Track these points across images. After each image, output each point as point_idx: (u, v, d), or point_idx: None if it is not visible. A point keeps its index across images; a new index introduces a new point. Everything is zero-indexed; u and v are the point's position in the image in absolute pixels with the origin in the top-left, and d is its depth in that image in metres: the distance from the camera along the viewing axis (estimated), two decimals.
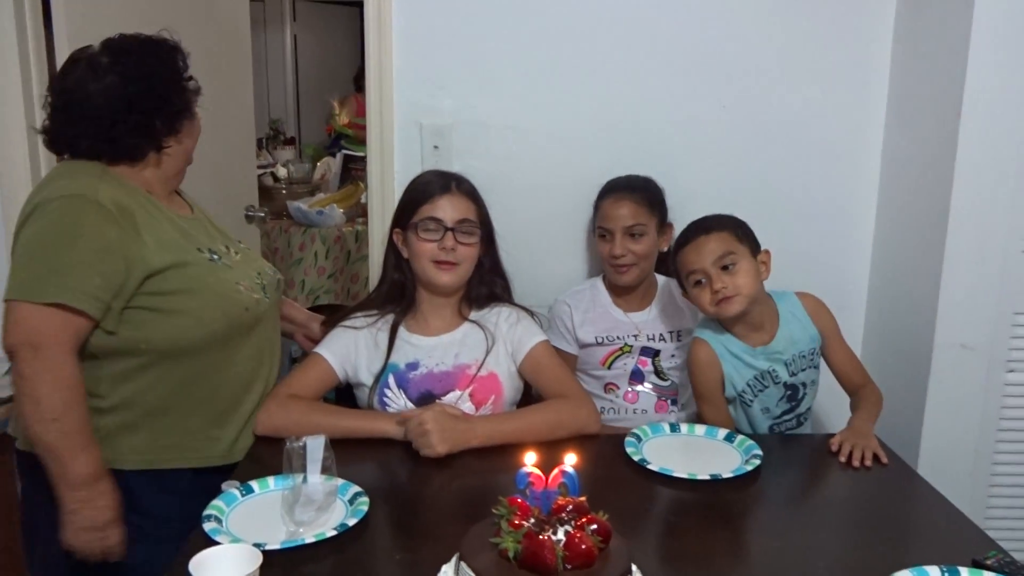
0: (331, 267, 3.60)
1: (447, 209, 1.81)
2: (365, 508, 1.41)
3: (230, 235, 1.82)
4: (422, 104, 2.19)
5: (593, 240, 2.16)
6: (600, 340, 2.06)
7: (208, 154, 1.77)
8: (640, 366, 2.06)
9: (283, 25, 6.19)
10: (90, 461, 1.47)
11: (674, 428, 1.80)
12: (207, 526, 1.33)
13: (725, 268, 1.77)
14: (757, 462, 1.61)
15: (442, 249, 1.79)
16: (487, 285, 1.91)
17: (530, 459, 1.16)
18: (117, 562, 1.55)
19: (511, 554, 1.06)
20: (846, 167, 2.24)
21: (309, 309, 2.21)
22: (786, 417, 1.89)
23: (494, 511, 1.12)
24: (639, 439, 1.73)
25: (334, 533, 1.34)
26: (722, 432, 1.76)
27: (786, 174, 2.23)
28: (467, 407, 1.78)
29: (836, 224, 2.28)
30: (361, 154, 3.80)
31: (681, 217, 2.04)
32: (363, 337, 1.85)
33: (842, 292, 2.14)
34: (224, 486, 1.48)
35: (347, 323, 1.87)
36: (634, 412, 2.05)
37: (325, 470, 1.45)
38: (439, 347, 1.84)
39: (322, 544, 1.31)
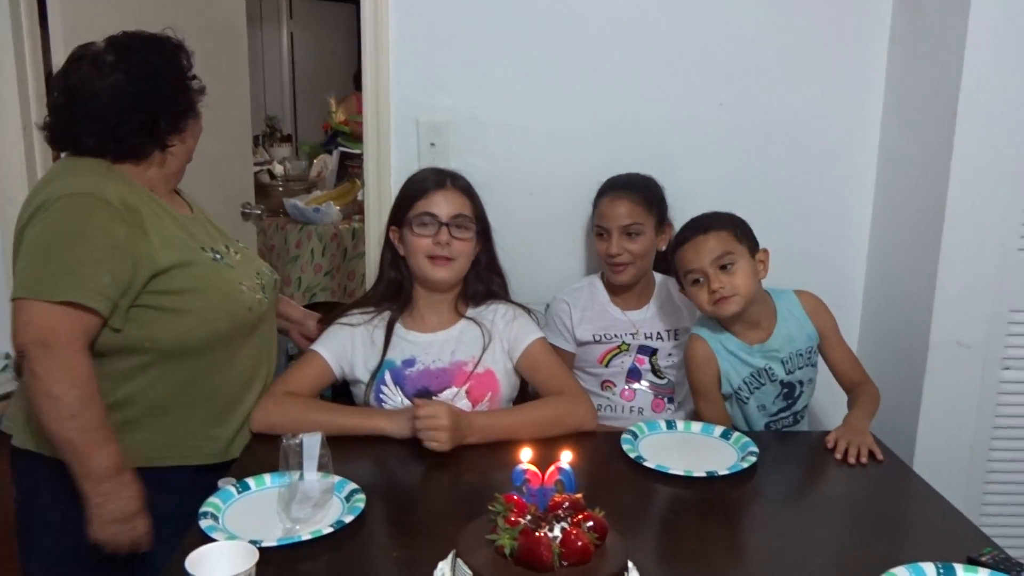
0: (327, 264, 3.59)
1: (442, 205, 1.81)
2: (362, 505, 1.41)
3: (228, 235, 1.82)
4: (419, 101, 2.18)
5: (593, 238, 2.16)
6: (598, 338, 2.06)
7: (204, 151, 1.77)
8: (637, 364, 2.06)
9: (279, 22, 6.19)
10: (111, 454, 1.47)
11: (670, 425, 1.80)
12: (203, 523, 1.33)
13: (723, 268, 1.77)
14: (753, 459, 1.61)
15: (437, 244, 1.79)
16: (484, 282, 1.91)
17: (526, 456, 1.16)
18: (119, 561, 1.55)
19: (507, 551, 1.06)
20: (843, 166, 2.25)
21: (305, 306, 2.21)
22: (782, 414, 1.89)
23: (490, 508, 1.12)
24: (635, 436, 1.73)
25: (330, 530, 1.34)
26: (718, 429, 1.76)
27: (783, 173, 2.23)
28: (463, 404, 1.78)
29: (832, 222, 2.28)
30: (358, 151, 3.81)
31: (678, 216, 2.05)
32: (359, 334, 1.85)
33: (838, 290, 2.15)
34: (221, 483, 1.48)
35: (343, 320, 1.87)
36: (631, 410, 2.05)
37: (322, 467, 1.45)
38: (436, 344, 1.84)
39: (318, 541, 1.31)
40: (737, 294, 1.77)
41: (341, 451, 1.51)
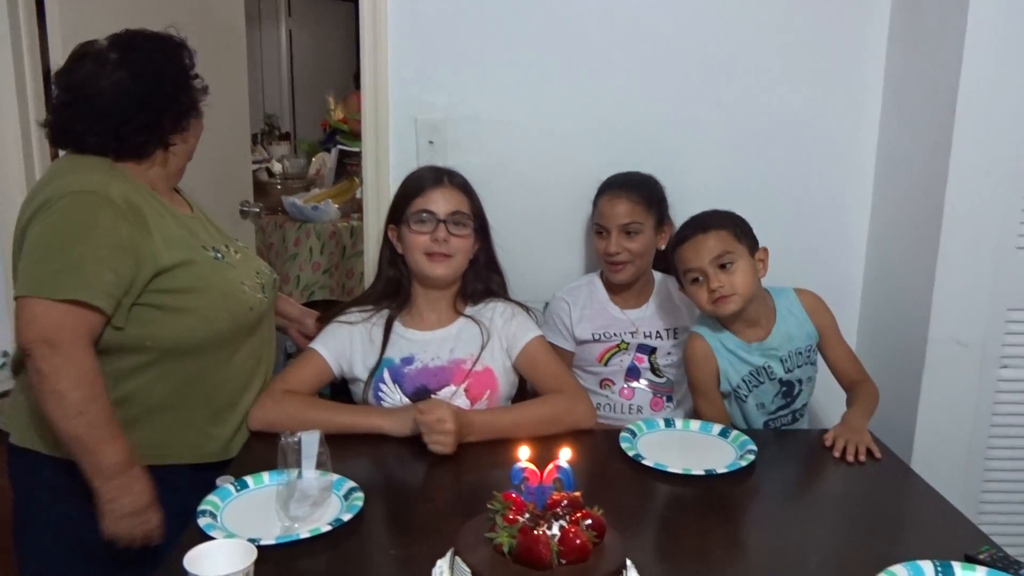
0: (326, 263, 3.59)
1: (439, 201, 1.81)
2: (360, 503, 1.41)
3: (228, 234, 1.82)
4: (417, 99, 2.18)
5: (593, 236, 2.16)
6: (597, 337, 2.06)
7: (202, 149, 1.77)
8: (636, 363, 2.06)
9: (278, 20, 6.18)
10: (120, 449, 1.47)
11: (669, 424, 1.80)
12: (202, 521, 1.33)
13: (723, 267, 1.77)
14: (752, 457, 1.62)
15: (434, 241, 1.79)
16: (482, 280, 1.91)
17: (525, 454, 1.16)
18: (113, 558, 1.55)
19: (506, 549, 1.06)
20: (841, 165, 2.25)
21: (304, 305, 2.20)
22: (781, 412, 1.89)
23: (489, 506, 1.12)
24: (634, 434, 1.73)
25: (329, 528, 1.33)
26: (716, 427, 1.77)
27: (781, 171, 2.23)
28: (462, 402, 1.78)
29: (831, 221, 2.28)
30: (356, 149, 3.80)
31: (677, 214, 2.05)
32: (358, 332, 1.85)
33: (837, 289, 2.15)
34: (219, 481, 1.48)
35: (342, 318, 1.87)
36: (630, 408, 2.05)
37: (320, 465, 1.45)
38: (434, 342, 1.84)
39: (317, 539, 1.31)
40: (736, 293, 1.77)
41: (340, 449, 1.51)
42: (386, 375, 1.81)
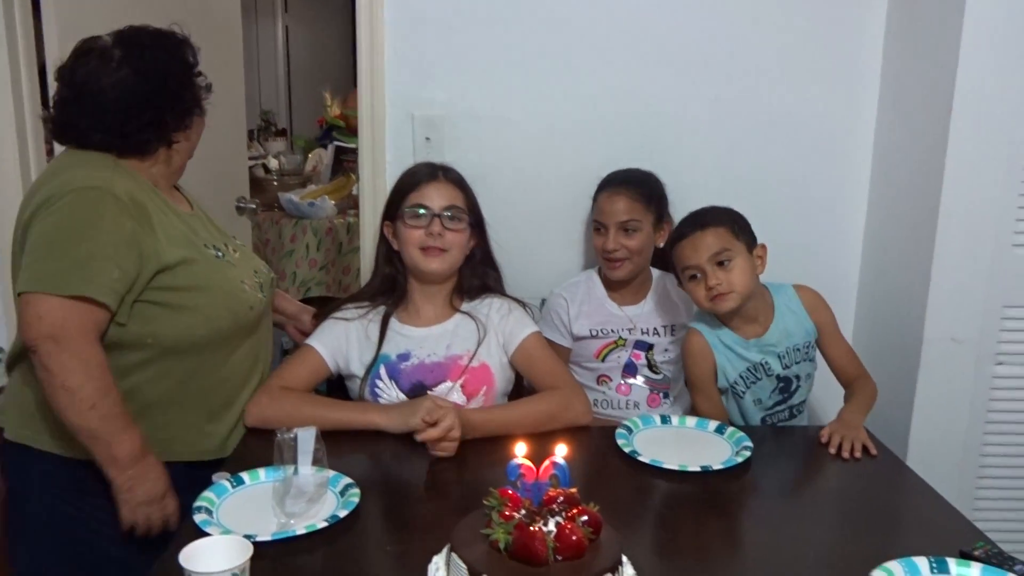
0: (322, 259, 3.59)
1: (434, 196, 1.81)
2: (356, 500, 1.41)
3: (226, 232, 1.82)
4: (414, 96, 2.18)
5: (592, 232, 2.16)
6: (595, 333, 2.06)
7: (199, 145, 1.76)
8: (633, 359, 2.06)
9: (275, 16, 6.17)
10: (134, 439, 1.49)
11: (665, 420, 1.81)
12: (197, 517, 1.33)
13: (720, 264, 1.77)
14: (747, 454, 1.62)
15: (429, 235, 1.79)
16: (479, 276, 1.91)
17: (521, 450, 1.16)
18: (110, 556, 1.55)
19: (502, 545, 1.06)
20: (838, 162, 2.25)
21: (300, 301, 2.20)
22: (778, 408, 1.89)
23: (485, 502, 1.13)
24: (630, 431, 1.73)
25: (325, 525, 1.33)
26: (712, 424, 1.77)
27: (778, 168, 2.24)
28: (458, 398, 1.78)
29: (828, 218, 2.28)
30: (353, 146, 3.80)
31: (674, 211, 2.05)
32: (354, 328, 1.85)
33: (833, 286, 2.15)
34: (215, 478, 1.48)
35: (338, 315, 1.87)
36: (626, 405, 2.05)
37: (316, 462, 1.45)
38: (431, 338, 1.84)
39: (313, 536, 1.31)
40: (733, 291, 1.77)
41: (336, 445, 1.51)
42: (382, 371, 1.81)
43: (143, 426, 1.58)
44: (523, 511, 1.10)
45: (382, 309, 1.87)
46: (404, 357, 1.82)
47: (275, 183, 4.10)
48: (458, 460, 1.61)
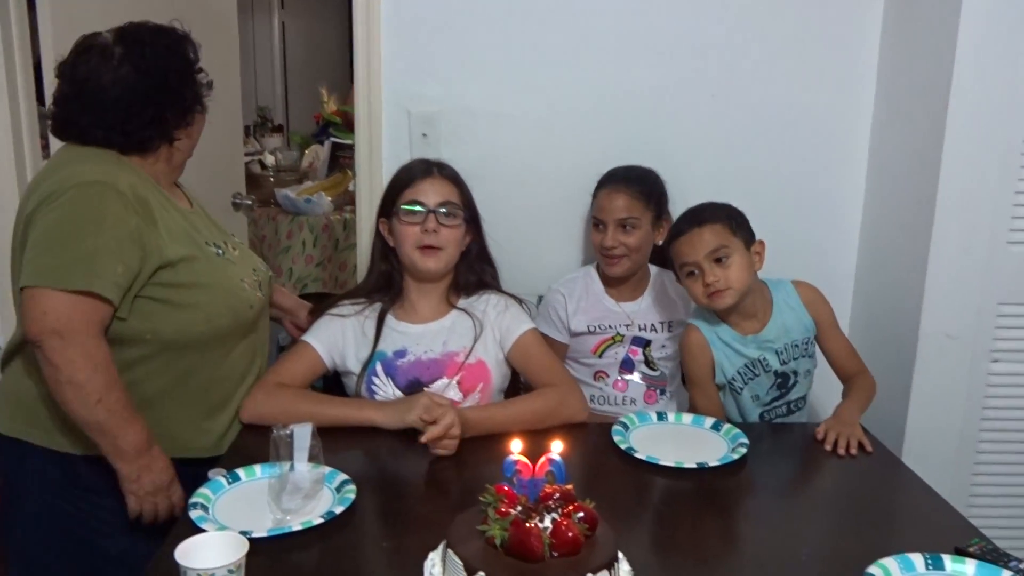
0: (319, 255, 3.59)
1: (428, 192, 1.81)
2: (352, 496, 1.41)
3: (225, 230, 1.82)
4: (410, 92, 2.18)
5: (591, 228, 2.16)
6: (592, 329, 2.06)
7: None
8: (631, 355, 2.06)
9: (271, 12, 6.16)
10: (140, 430, 1.50)
11: (661, 417, 1.81)
12: (193, 514, 1.33)
13: (718, 261, 1.77)
14: (744, 451, 1.62)
15: (425, 232, 1.79)
16: (475, 273, 1.91)
17: (517, 447, 1.16)
18: (105, 552, 1.55)
19: (498, 542, 1.06)
20: (834, 157, 2.25)
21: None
22: (776, 404, 1.90)
23: (481, 499, 1.13)
24: (626, 427, 1.73)
25: (321, 521, 1.33)
26: (709, 421, 1.77)
27: (774, 164, 2.24)
28: (455, 395, 1.78)
29: (824, 214, 2.28)
30: (349, 142, 3.79)
31: (671, 207, 2.05)
32: (351, 325, 1.84)
33: (829, 281, 2.14)
34: (211, 474, 1.48)
35: (335, 311, 1.87)
36: (623, 401, 2.05)
37: (312, 458, 1.45)
38: (427, 334, 1.84)
39: (309, 532, 1.31)
40: (731, 288, 1.77)
41: (332, 442, 1.51)
42: (379, 368, 1.81)
43: None
44: (519, 507, 1.10)
45: (378, 306, 1.87)
46: (400, 354, 1.82)
47: (271, 179, 4.09)
48: (454, 457, 1.60)
